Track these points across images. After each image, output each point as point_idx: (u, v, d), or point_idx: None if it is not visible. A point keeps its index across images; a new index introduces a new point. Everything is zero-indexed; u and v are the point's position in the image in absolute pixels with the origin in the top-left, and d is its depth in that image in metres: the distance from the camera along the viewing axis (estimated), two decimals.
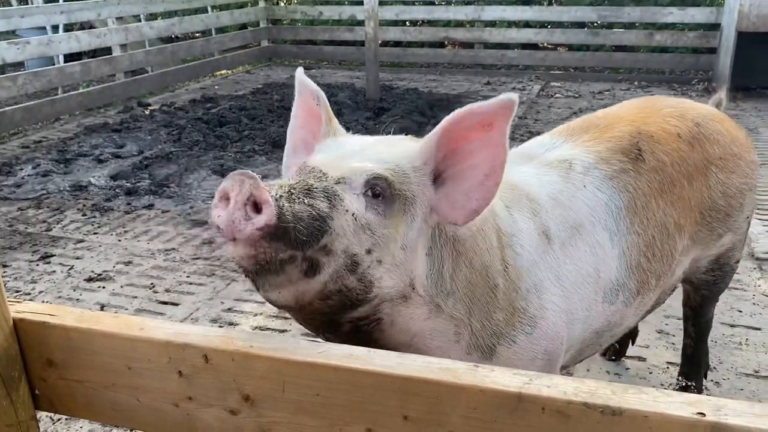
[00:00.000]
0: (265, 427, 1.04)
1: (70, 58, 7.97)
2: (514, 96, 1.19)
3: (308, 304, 1.18)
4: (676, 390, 2.42)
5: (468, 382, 0.90)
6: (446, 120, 1.26)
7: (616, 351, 2.70)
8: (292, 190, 1.12)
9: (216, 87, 8.79)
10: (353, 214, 1.18)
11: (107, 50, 8.08)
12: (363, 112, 7.01)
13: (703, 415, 0.81)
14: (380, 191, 1.22)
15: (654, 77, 8.79)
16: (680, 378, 2.45)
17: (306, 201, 1.12)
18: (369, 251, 1.20)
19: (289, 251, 1.09)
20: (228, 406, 1.05)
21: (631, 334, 2.68)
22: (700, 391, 2.43)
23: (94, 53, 8.45)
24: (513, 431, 0.89)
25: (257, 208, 1.04)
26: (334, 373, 0.97)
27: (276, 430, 1.03)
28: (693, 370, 2.40)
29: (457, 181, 1.29)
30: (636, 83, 8.54)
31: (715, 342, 2.83)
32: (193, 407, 1.07)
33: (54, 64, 7.80)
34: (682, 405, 0.83)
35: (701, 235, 1.89)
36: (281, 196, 1.09)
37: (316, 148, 1.41)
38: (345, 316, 1.24)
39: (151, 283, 3.51)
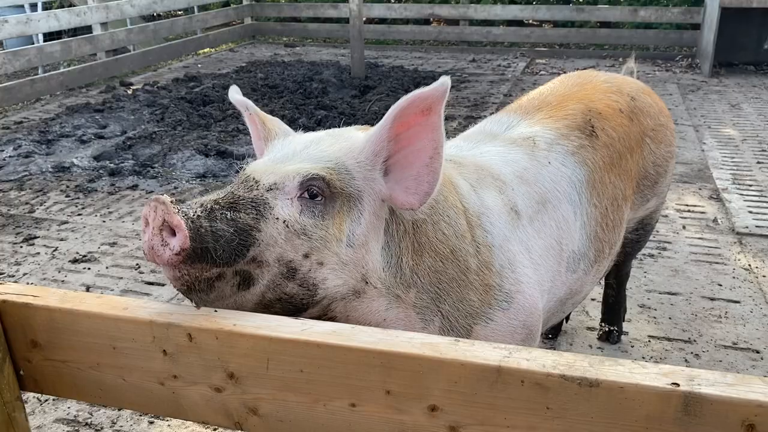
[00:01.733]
0: (249, 404, 1.05)
1: (49, 37, 7.84)
2: (447, 79, 1.20)
3: (252, 311, 1.17)
4: (599, 335, 2.67)
5: (449, 357, 0.92)
6: (393, 108, 1.23)
7: (553, 329, 2.74)
8: (214, 206, 1.12)
9: (199, 65, 8.69)
10: (284, 222, 1.17)
11: (87, 29, 7.96)
12: (348, 90, 6.97)
13: (677, 385, 0.83)
14: (318, 191, 1.21)
15: (638, 53, 8.79)
16: (603, 324, 2.67)
17: (229, 215, 1.12)
18: (306, 255, 1.18)
19: (215, 269, 1.10)
20: (213, 383, 1.06)
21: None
22: (620, 334, 2.68)
23: (74, 32, 8.32)
24: (493, 403, 0.91)
25: (173, 232, 1.04)
26: (317, 349, 0.98)
27: (261, 406, 1.04)
28: (614, 316, 2.65)
29: (405, 166, 1.28)
30: (621, 59, 8.55)
31: (695, 315, 2.88)
32: (179, 385, 1.08)
33: (33, 44, 7.67)
34: (656, 376, 0.85)
35: (636, 201, 2.02)
36: (199, 216, 1.08)
37: (264, 152, 1.40)
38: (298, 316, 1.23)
39: (137, 264, 3.51)
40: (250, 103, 1.47)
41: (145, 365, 1.09)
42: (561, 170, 1.71)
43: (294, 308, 1.21)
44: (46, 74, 7.21)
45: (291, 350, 1.00)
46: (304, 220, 1.19)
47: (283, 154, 1.30)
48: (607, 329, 2.66)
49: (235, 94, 1.53)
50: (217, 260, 1.09)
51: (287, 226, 1.17)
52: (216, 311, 1.06)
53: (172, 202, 1.06)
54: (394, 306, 1.32)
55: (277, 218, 1.16)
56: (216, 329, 1.02)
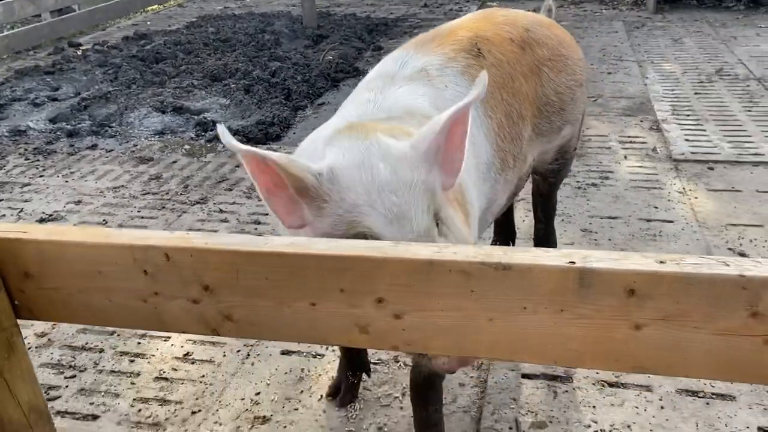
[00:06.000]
0: (224, 311, 1.21)
1: None
2: (485, 78, 1.34)
3: None
4: None
5: (390, 255, 1.09)
6: (444, 119, 1.34)
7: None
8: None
9: (148, 23, 8.55)
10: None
11: None
12: (301, 40, 6.99)
13: (573, 263, 1.02)
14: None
15: None
16: None
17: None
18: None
19: None
20: (190, 296, 1.21)
21: (511, 236, 2.98)
22: None
23: None
24: (428, 291, 1.09)
25: None
26: (278, 258, 1.14)
27: (234, 312, 1.20)
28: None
29: (443, 155, 1.41)
30: (569, 0, 8.68)
31: (633, 236, 3.13)
32: (160, 301, 1.23)
33: None
34: (557, 257, 1.03)
35: (543, 127, 2.17)
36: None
37: (332, 208, 1.35)
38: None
39: (104, 220, 3.61)
40: (259, 152, 1.28)
41: (128, 285, 1.24)
42: (458, 90, 1.85)
43: None
44: None
45: (257, 261, 1.15)
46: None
47: (398, 211, 1.33)
48: None
49: (228, 140, 1.25)
50: None
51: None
52: (188, 233, 1.22)
53: None
54: None
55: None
56: (190, 248, 1.17)
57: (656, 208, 3.39)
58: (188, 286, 1.21)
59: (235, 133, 4.53)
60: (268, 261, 1.15)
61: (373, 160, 1.34)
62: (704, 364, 1.03)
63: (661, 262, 1.00)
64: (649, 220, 3.27)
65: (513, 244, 3.01)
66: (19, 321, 1.35)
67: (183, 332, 1.31)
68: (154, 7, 9.47)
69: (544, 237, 2.76)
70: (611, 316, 1.03)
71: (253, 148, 1.28)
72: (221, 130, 1.25)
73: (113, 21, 8.68)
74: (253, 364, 2.44)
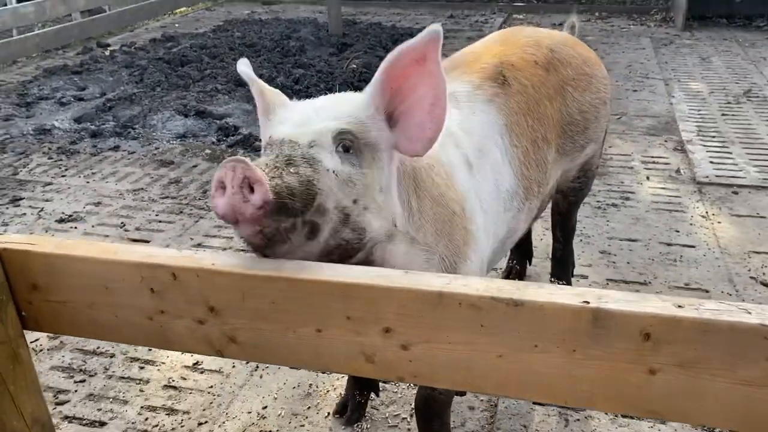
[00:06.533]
0: (228, 333, 1.19)
1: None
2: (438, 26, 1.29)
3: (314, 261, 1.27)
4: None
5: (398, 285, 1.06)
6: (383, 64, 1.35)
7: (518, 273, 2.93)
8: (276, 164, 1.21)
9: (176, 25, 8.64)
10: (334, 171, 1.27)
11: None
12: (326, 48, 7.00)
13: (588, 302, 0.99)
14: (349, 144, 1.33)
15: (614, 7, 8.85)
16: (553, 280, 2.77)
17: (292, 170, 1.21)
18: (355, 201, 1.31)
19: (290, 220, 1.20)
20: (196, 316, 1.20)
21: (528, 255, 2.94)
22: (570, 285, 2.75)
23: None
24: (437, 324, 1.06)
25: (252, 189, 1.13)
26: (285, 283, 1.12)
27: (238, 334, 1.19)
28: (563, 270, 2.74)
29: (408, 116, 1.40)
30: (597, 14, 8.61)
31: (653, 260, 3.07)
32: (165, 319, 1.22)
33: (6, 5, 7.57)
34: (571, 296, 1.00)
35: (566, 147, 2.13)
36: (270, 173, 1.18)
37: (271, 122, 1.46)
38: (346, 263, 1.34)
39: (122, 222, 3.62)
40: (249, 76, 1.54)
41: (134, 302, 1.23)
42: (485, 117, 1.84)
43: (347, 254, 1.33)
44: (21, 36, 7.15)
45: (264, 285, 1.14)
46: (346, 169, 1.30)
47: (300, 118, 1.39)
48: (556, 283, 2.75)
49: (243, 67, 1.57)
50: (292, 211, 1.18)
51: (336, 175, 1.28)
52: (196, 252, 1.20)
53: None
54: (410, 248, 1.48)
55: (328, 169, 1.27)
56: (197, 268, 1.15)
57: (677, 231, 3.32)
58: (194, 306, 1.20)
59: (256, 139, 4.54)
60: (274, 285, 1.14)
61: (325, 98, 1.47)
62: (721, 413, 0.99)
63: (680, 306, 0.96)
64: (669, 244, 3.21)
65: (530, 264, 2.97)
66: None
67: (187, 351, 1.29)
68: (182, 9, 9.57)
69: (562, 257, 2.71)
70: (625, 360, 0.99)
71: (258, 81, 1.53)
72: (243, 61, 1.57)
73: (142, 22, 8.78)
74: (261, 376, 2.42)
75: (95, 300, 1.26)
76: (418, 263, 1.51)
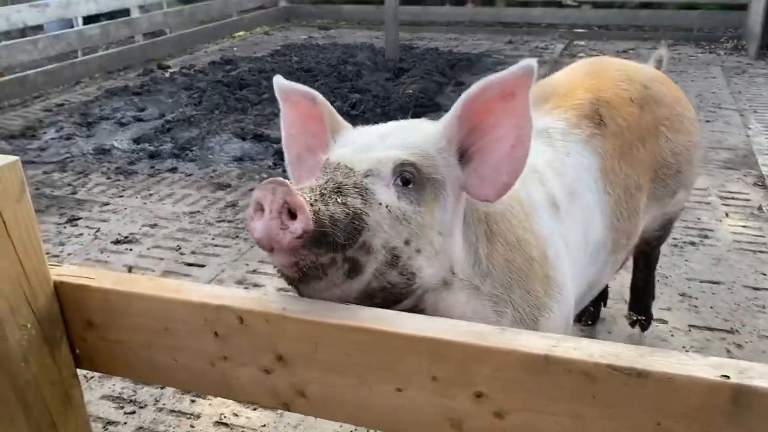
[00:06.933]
0: (297, 386, 1.07)
1: (88, 20, 7.97)
2: (533, 62, 1.14)
3: (354, 303, 1.13)
4: (629, 323, 2.57)
5: (494, 344, 0.92)
6: (465, 94, 1.20)
7: (591, 315, 2.74)
8: (323, 191, 1.08)
9: (235, 49, 8.76)
10: (387, 206, 1.13)
11: (125, 12, 8.06)
12: (382, 72, 6.96)
13: (728, 377, 0.83)
14: (410, 178, 1.17)
15: (681, 35, 8.59)
16: (631, 313, 2.57)
17: (339, 200, 1.08)
18: (407, 242, 1.15)
19: (329, 254, 1.06)
20: (262, 365, 1.08)
21: (603, 297, 2.75)
22: (649, 322, 2.58)
23: (112, 15, 8.44)
24: (538, 391, 0.92)
25: (293, 214, 1.00)
26: (364, 334, 1.00)
27: (308, 388, 1.06)
28: (643, 303, 2.55)
29: (484, 155, 1.24)
30: (662, 41, 8.35)
31: (738, 305, 2.84)
32: (229, 366, 1.11)
33: (72, 27, 7.81)
34: (706, 368, 0.84)
35: (658, 193, 1.97)
36: (315, 200, 1.05)
37: (333, 144, 1.35)
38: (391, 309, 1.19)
39: (177, 245, 3.58)
40: (316, 93, 1.41)
41: (196, 346, 1.12)
42: (580, 159, 1.69)
43: (393, 298, 1.18)
44: (85, 57, 7.34)
45: (339, 335, 1.01)
46: (402, 205, 1.16)
47: (363, 143, 1.26)
48: (635, 318, 2.57)
49: (285, 82, 1.46)
50: (332, 245, 1.05)
51: (389, 210, 1.13)
52: (265, 295, 1.09)
53: None
54: (473, 298, 1.31)
55: (380, 203, 1.12)
56: (266, 312, 1.04)
57: (764, 275, 3.08)
58: (260, 353, 1.08)
59: None
60: (351, 336, 1.01)
61: (393, 125, 1.35)
62: None
63: None
64: (756, 288, 2.97)
65: (605, 305, 2.78)
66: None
67: (250, 403, 1.18)
68: (240, 33, 9.72)
69: (643, 289, 2.53)
70: None
71: (301, 87, 1.45)
72: (277, 77, 1.47)
73: (201, 46, 8.94)
74: (316, 418, 2.29)
75: (153, 341, 1.16)
76: (484, 315, 1.34)
